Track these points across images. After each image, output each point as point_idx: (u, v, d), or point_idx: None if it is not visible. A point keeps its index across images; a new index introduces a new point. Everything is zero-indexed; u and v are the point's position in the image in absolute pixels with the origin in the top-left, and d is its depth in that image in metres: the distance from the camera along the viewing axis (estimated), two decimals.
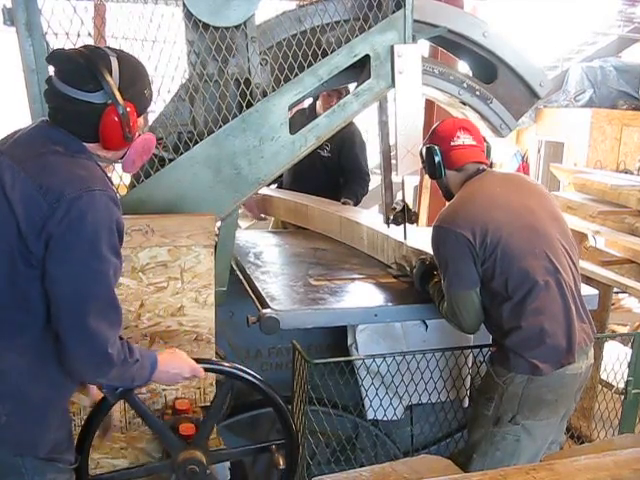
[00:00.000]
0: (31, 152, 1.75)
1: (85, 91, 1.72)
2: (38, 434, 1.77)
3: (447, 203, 2.64)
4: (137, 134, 1.85)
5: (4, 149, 1.78)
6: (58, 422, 1.83)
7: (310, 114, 4.09)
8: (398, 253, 3.11)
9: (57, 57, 1.79)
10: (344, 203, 4.06)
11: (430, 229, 2.54)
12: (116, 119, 1.74)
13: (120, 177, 2.60)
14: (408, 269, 3.00)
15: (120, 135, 1.77)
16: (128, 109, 1.75)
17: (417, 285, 2.77)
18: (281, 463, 2.36)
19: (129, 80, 1.79)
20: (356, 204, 4.19)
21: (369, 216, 3.77)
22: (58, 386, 1.81)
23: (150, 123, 2.63)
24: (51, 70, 1.81)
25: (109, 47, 1.84)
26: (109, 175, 1.94)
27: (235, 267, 3.10)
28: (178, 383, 2.14)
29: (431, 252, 2.63)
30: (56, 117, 1.79)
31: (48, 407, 1.79)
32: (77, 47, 1.87)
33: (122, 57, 1.81)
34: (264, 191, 4.03)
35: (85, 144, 1.79)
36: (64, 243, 1.66)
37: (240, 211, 2.99)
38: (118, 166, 2.05)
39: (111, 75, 1.74)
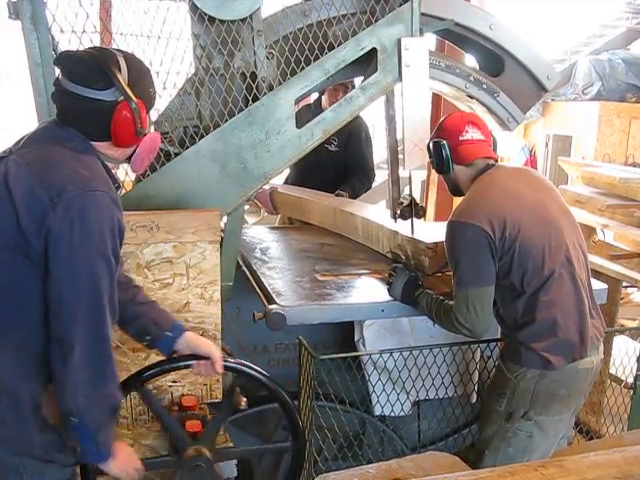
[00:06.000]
0: (37, 147, 1.76)
1: (96, 89, 1.74)
2: (32, 433, 1.76)
3: (455, 199, 2.61)
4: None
5: (15, 149, 1.79)
6: (52, 421, 1.81)
7: (316, 109, 4.06)
8: (393, 242, 3.10)
9: (65, 58, 1.81)
10: (337, 195, 4.03)
11: (437, 223, 2.51)
12: (128, 115, 1.76)
13: (126, 172, 2.59)
14: (403, 258, 2.99)
15: (132, 131, 1.79)
16: (139, 105, 1.77)
17: (398, 297, 2.65)
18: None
19: (137, 78, 1.81)
20: (353, 197, 4.16)
21: (363, 206, 3.75)
22: (48, 385, 1.79)
23: (156, 118, 2.62)
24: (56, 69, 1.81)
25: (115, 48, 1.87)
26: (114, 172, 1.94)
27: (241, 263, 3.09)
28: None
29: (427, 241, 2.57)
30: (66, 118, 1.79)
31: (40, 406, 1.77)
32: (84, 48, 1.89)
33: (128, 56, 1.84)
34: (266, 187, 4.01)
35: (94, 143, 1.79)
36: (66, 243, 1.65)
37: (247, 207, 2.98)
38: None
39: (120, 73, 1.75)
